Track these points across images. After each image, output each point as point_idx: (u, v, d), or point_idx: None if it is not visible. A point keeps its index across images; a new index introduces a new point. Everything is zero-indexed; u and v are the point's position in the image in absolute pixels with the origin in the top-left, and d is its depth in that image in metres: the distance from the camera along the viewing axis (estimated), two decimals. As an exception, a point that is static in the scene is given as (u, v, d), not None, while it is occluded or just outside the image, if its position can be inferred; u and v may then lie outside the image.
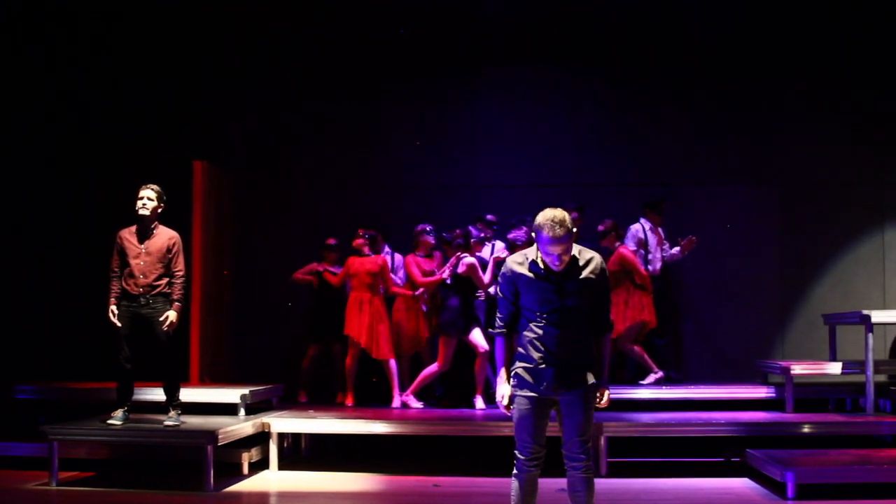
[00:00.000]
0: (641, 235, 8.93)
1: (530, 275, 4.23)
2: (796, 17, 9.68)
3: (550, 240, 4.09)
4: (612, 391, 7.89)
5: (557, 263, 4.16)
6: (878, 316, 7.72)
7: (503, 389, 4.31)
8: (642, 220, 9.02)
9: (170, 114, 9.89)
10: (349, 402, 8.53)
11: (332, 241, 9.08)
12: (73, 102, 9.96)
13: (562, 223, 4.09)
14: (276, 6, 9.96)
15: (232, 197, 9.74)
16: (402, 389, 8.50)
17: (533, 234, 4.22)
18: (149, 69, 9.92)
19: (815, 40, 9.69)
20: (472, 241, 8.26)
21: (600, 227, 8.69)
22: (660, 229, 9.05)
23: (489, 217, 8.99)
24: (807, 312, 9.53)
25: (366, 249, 8.57)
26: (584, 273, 4.23)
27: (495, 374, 4.48)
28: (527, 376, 4.23)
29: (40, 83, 9.92)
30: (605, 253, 8.38)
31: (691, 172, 9.79)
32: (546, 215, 4.12)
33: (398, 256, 9.11)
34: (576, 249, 4.26)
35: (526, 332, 4.26)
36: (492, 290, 8.19)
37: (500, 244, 8.79)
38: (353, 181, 9.94)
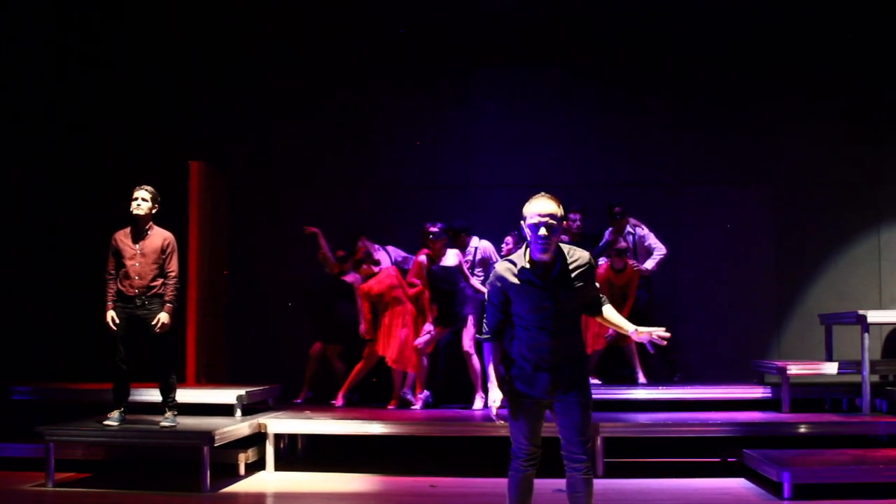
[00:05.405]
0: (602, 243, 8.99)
1: (521, 282, 4.14)
2: (794, 16, 9.69)
3: (537, 204, 4.05)
4: (609, 392, 8.11)
5: (544, 241, 4.03)
6: (874, 316, 7.74)
7: (495, 395, 4.24)
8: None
9: (166, 114, 9.89)
10: (338, 402, 8.53)
11: (341, 253, 9.00)
12: (69, 102, 9.95)
13: (549, 199, 4.07)
14: (273, 6, 9.96)
15: (228, 197, 9.75)
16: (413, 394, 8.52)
17: (521, 224, 4.12)
18: (145, 69, 9.92)
19: (812, 40, 9.70)
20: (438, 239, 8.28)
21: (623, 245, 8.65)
22: (627, 237, 8.93)
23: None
24: (803, 312, 9.53)
25: (374, 268, 8.50)
26: (575, 276, 4.14)
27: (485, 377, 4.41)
28: (521, 382, 4.19)
29: (37, 83, 9.91)
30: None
31: (688, 172, 9.79)
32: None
33: (392, 249, 9.02)
34: (566, 248, 4.19)
35: (519, 340, 4.20)
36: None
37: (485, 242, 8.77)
38: (350, 181, 9.91)
